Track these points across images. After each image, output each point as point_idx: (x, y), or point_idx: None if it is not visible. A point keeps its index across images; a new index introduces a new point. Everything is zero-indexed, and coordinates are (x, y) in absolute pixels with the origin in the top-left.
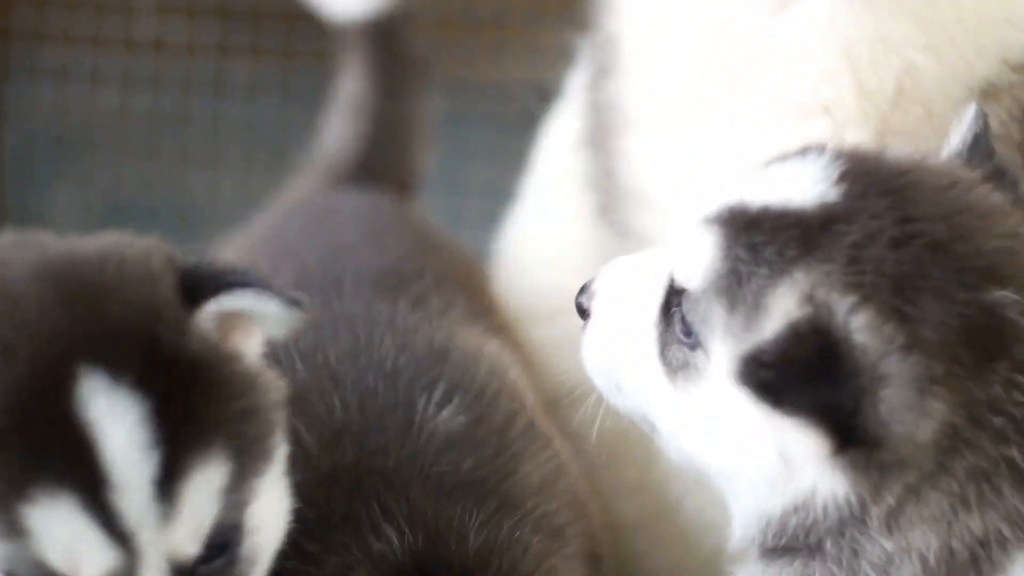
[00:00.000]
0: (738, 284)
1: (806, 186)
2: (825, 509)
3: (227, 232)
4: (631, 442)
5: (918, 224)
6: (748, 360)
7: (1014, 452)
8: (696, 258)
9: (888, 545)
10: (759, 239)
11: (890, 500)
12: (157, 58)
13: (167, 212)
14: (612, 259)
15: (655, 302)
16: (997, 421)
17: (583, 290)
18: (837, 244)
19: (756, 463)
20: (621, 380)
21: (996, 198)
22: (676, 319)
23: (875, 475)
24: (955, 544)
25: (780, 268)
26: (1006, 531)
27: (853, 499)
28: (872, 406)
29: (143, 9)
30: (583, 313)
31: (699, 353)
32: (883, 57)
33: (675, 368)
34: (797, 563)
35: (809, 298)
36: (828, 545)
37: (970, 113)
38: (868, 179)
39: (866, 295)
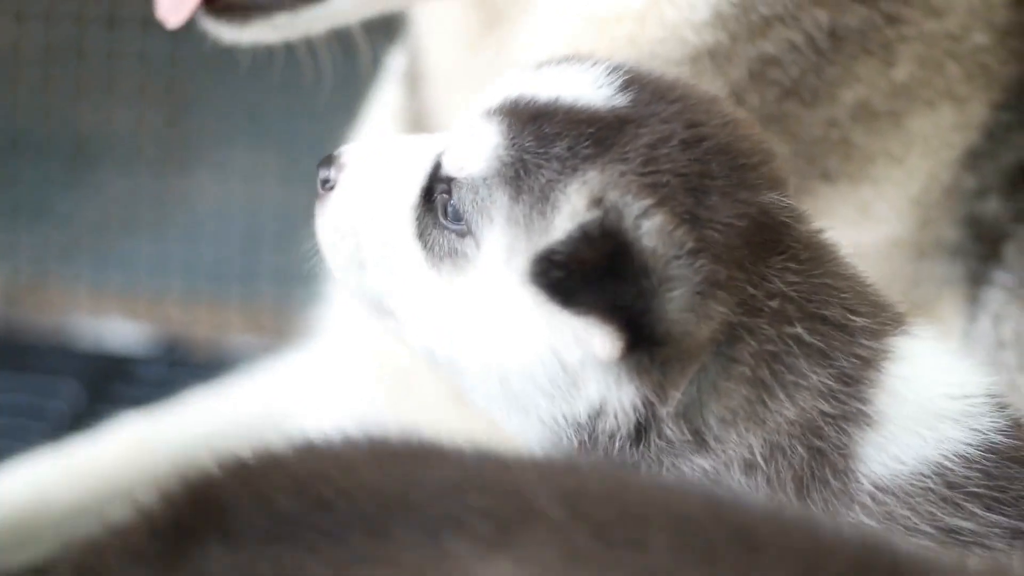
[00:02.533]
0: (525, 174)
1: (592, 89)
2: (617, 417)
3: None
4: None
5: (704, 128)
6: (539, 260)
7: (799, 329)
8: (476, 145)
9: (705, 463)
10: (550, 131)
11: (676, 395)
12: None
13: (61, 143)
14: None
15: (415, 184)
16: (774, 303)
17: (328, 160)
18: (632, 145)
19: (527, 360)
20: (366, 258)
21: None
22: (439, 205)
23: (657, 374)
24: (780, 439)
25: (572, 165)
26: (828, 411)
27: (639, 401)
28: (658, 308)
29: None
30: (325, 184)
31: (468, 241)
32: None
33: (439, 255)
34: None
35: (599, 200)
36: (640, 463)
37: None
38: (651, 87)
39: (661, 199)
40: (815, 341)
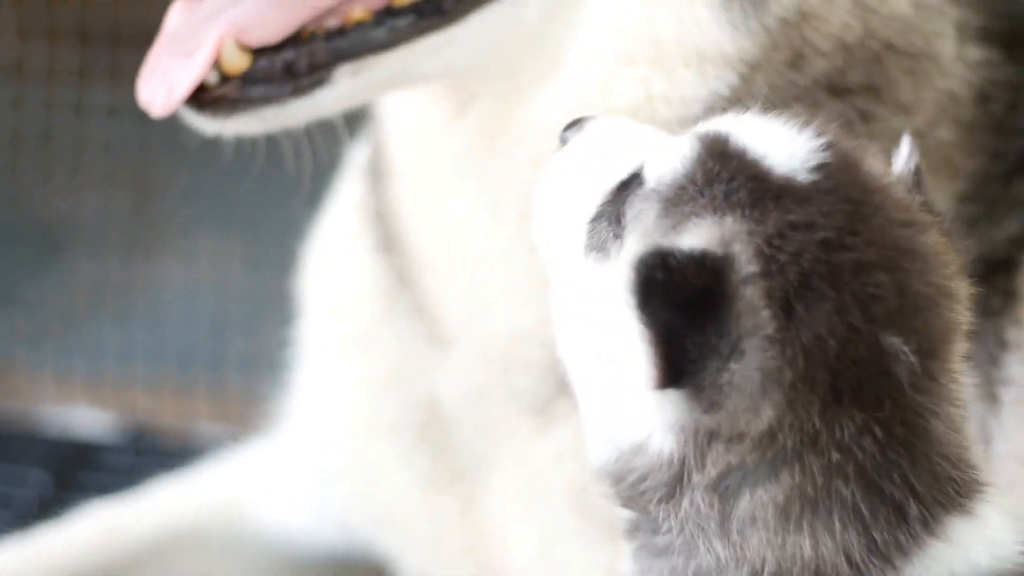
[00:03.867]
0: (680, 199)
1: (787, 154)
2: (654, 461)
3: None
4: None
5: (856, 239)
6: (653, 253)
7: (848, 492)
8: (667, 161)
9: (720, 550)
10: (719, 172)
11: (712, 472)
12: (19, 81)
13: (29, 229)
14: (391, 298)
15: (619, 174)
16: (836, 457)
17: (576, 123)
18: (776, 215)
19: (607, 367)
20: (557, 219)
21: (943, 247)
22: (620, 203)
23: (702, 439)
24: (791, 569)
25: (719, 205)
26: (843, 569)
27: (677, 457)
28: (717, 371)
29: (3, 32)
30: (563, 143)
31: (616, 243)
32: None
33: (593, 243)
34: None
35: (726, 244)
36: (664, 518)
37: (905, 144)
38: (840, 180)
39: (769, 272)
40: (862, 509)
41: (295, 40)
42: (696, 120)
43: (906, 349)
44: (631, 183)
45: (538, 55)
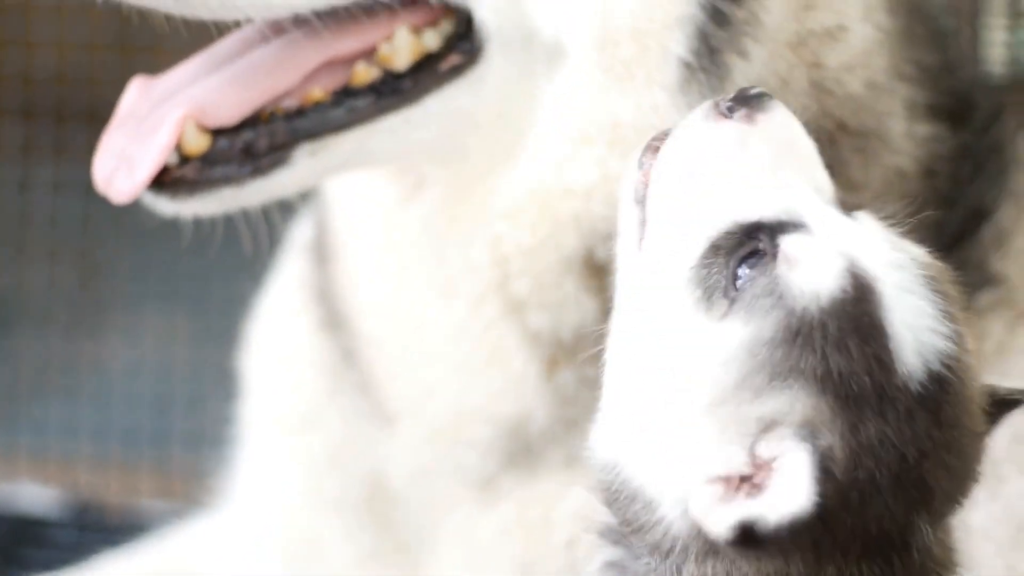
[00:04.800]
0: (799, 344)
1: (920, 347)
2: (660, 546)
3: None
4: None
5: (929, 465)
6: (740, 526)
7: None
8: (809, 269)
9: None
10: (851, 347)
11: (706, 572)
12: None
13: None
14: (336, 376)
15: (765, 209)
16: None
17: (746, 99)
18: (872, 423)
19: (660, 416)
20: (677, 206)
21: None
22: (746, 255)
23: (711, 551)
24: None
25: (824, 387)
26: None
27: (680, 542)
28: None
29: None
30: (731, 111)
31: (723, 303)
32: None
33: (701, 281)
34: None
35: (813, 433)
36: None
37: None
38: (949, 400)
39: (845, 472)
40: None
41: (254, 121)
42: None
43: (928, 528)
44: (767, 234)
45: (496, 136)
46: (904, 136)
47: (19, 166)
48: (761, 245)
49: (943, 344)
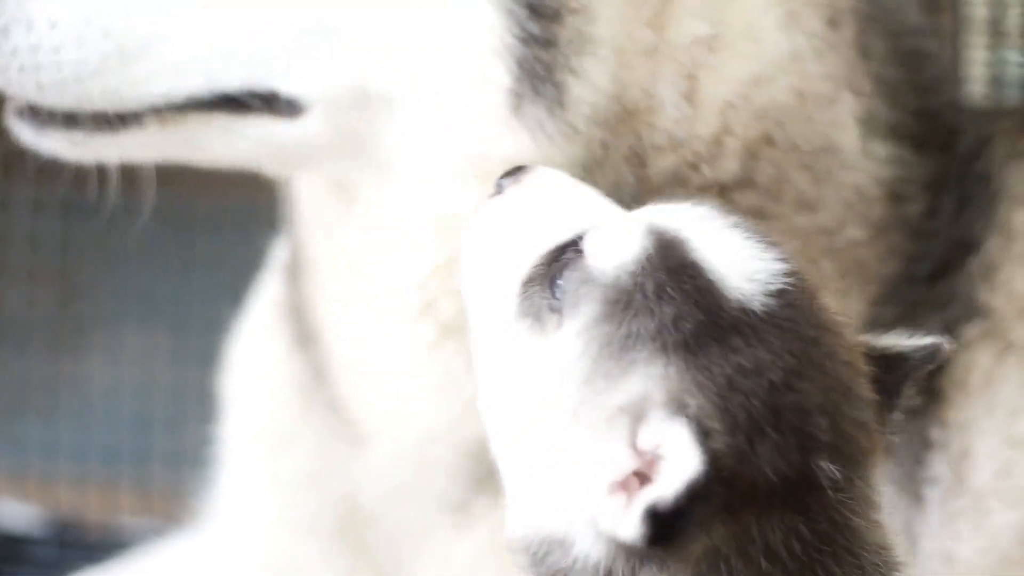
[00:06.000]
0: (624, 309)
1: (746, 275)
2: (575, 564)
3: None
4: None
5: (803, 383)
6: (642, 516)
7: None
8: (612, 245)
9: None
10: (670, 290)
11: None
12: None
13: None
14: (309, 395)
15: (557, 237)
16: (765, 566)
17: (516, 171)
18: (725, 360)
19: (547, 447)
20: (486, 272)
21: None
22: (557, 270)
23: (635, 560)
24: None
25: (664, 342)
26: None
27: (603, 568)
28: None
29: None
30: (499, 189)
31: (554, 317)
32: None
33: (528, 309)
34: None
35: (681, 405)
36: None
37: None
38: (797, 315)
39: (727, 429)
40: None
41: None
42: None
43: (833, 468)
44: (568, 249)
45: (359, 167)
46: (859, 153)
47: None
48: (567, 256)
49: (774, 264)
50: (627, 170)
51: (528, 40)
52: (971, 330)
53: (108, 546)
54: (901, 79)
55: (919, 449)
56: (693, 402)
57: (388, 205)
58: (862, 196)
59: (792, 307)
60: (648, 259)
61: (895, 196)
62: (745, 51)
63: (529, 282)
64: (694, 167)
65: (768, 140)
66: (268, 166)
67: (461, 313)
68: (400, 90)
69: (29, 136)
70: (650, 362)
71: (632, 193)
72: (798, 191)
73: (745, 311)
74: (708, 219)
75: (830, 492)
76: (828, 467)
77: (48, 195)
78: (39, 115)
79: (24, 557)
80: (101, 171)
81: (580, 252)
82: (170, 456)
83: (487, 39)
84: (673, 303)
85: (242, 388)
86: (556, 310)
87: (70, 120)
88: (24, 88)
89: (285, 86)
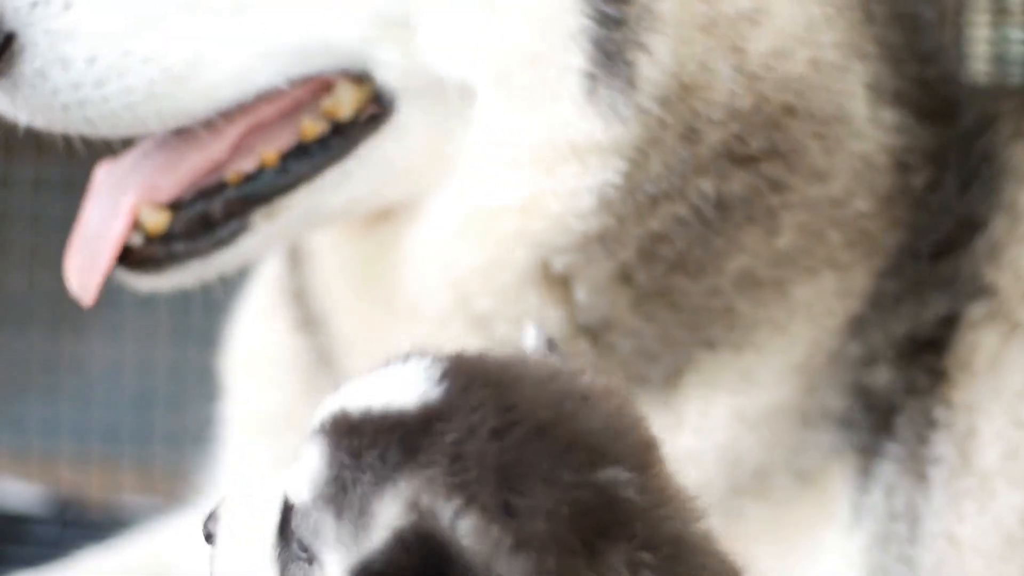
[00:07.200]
0: (343, 491)
1: (409, 389)
2: None
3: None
4: None
5: (519, 411)
6: (358, 570)
7: None
8: (303, 470)
9: None
10: (361, 443)
11: None
12: None
13: None
14: (310, 376)
15: (272, 524)
16: None
17: (210, 516)
18: (438, 444)
19: None
20: None
21: (599, 384)
22: (294, 537)
23: None
24: None
25: (383, 474)
26: None
27: None
28: None
29: None
30: (209, 539)
31: (315, 568)
32: None
33: (284, 567)
34: None
35: (414, 505)
36: None
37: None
38: (469, 375)
39: (471, 495)
40: None
41: (208, 192)
42: (588, 212)
43: (618, 471)
44: (287, 519)
45: (429, 173)
46: (868, 120)
47: (0, 163)
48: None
49: (422, 366)
50: (682, 147)
51: (602, 20)
52: (977, 310)
53: (109, 525)
54: (902, 43)
55: (923, 429)
56: (426, 497)
57: (436, 205)
58: (870, 165)
59: (464, 375)
60: (328, 446)
61: (900, 165)
62: (775, 24)
63: (283, 572)
64: (741, 139)
65: (789, 110)
66: (384, 191)
67: (496, 307)
68: (478, 79)
69: (146, 284)
70: (384, 502)
71: (682, 174)
72: (811, 161)
73: (425, 405)
74: (355, 380)
75: (640, 506)
76: (618, 473)
77: (49, 174)
78: (147, 263)
79: (26, 536)
80: (102, 150)
81: (293, 505)
82: (171, 435)
83: (565, 21)
84: (370, 448)
85: (243, 368)
86: (312, 559)
87: (172, 255)
88: (71, 125)
89: (374, 69)
